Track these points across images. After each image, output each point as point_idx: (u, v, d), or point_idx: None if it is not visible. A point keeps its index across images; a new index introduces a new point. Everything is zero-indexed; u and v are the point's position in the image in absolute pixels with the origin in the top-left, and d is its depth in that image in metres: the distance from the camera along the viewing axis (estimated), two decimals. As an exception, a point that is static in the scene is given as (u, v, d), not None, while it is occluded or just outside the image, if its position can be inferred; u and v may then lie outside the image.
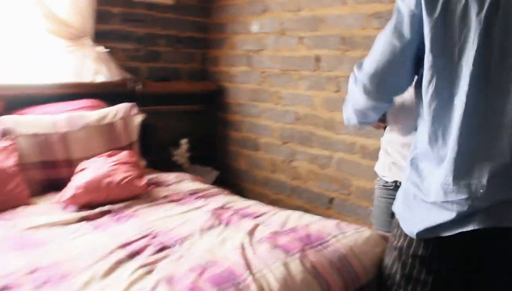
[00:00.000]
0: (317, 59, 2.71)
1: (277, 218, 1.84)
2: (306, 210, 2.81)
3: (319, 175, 2.75)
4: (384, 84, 1.26)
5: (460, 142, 1.11)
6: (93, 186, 2.03)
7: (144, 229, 1.76)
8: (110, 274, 1.40)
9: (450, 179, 1.13)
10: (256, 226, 1.75)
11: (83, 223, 1.85)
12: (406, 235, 1.27)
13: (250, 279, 1.34)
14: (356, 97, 1.34)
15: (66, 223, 1.84)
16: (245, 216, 1.89)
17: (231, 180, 3.33)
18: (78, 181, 2.06)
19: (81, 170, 2.19)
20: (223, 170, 3.34)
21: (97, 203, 2.02)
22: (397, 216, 1.33)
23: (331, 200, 2.70)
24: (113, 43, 3.00)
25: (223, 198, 2.14)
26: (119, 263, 1.48)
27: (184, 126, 3.29)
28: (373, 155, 2.45)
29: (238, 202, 2.08)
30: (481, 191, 1.10)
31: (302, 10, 2.78)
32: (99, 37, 2.90)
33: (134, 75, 3.04)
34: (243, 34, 3.19)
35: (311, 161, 2.79)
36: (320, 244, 1.56)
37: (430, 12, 1.11)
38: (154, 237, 1.69)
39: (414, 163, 1.26)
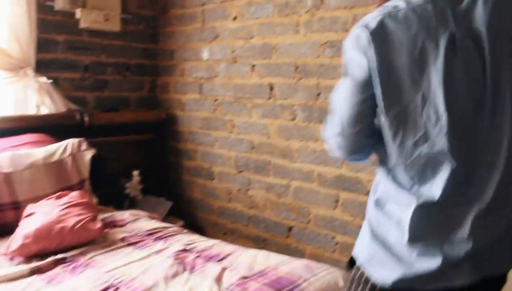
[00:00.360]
0: (271, 87, 2.70)
1: (243, 259, 1.79)
2: (265, 239, 2.79)
3: (277, 203, 2.73)
4: (355, 140, 1.16)
5: (443, 188, 1.03)
6: (44, 234, 1.89)
7: (103, 280, 1.66)
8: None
9: (430, 222, 1.05)
10: (223, 270, 1.69)
11: (35, 276, 1.72)
12: (373, 288, 1.11)
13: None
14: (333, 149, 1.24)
15: (16, 277, 1.70)
16: (209, 258, 1.82)
17: (186, 210, 3.25)
18: (26, 228, 1.92)
19: (28, 215, 2.04)
20: (177, 200, 3.25)
21: (48, 251, 1.89)
22: (363, 263, 1.15)
23: (290, 229, 2.68)
24: (58, 73, 2.86)
25: (183, 238, 2.06)
26: (81, 325, 1.38)
27: (135, 156, 3.17)
28: (331, 182, 2.47)
29: (199, 242, 2.01)
30: (464, 234, 1.03)
31: (253, 38, 2.77)
32: (42, 67, 2.77)
33: (81, 105, 2.91)
34: (193, 61, 3.13)
35: (268, 189, 2.77)
36: (292, 289, 1.52)
37: (383, 63, 1.03)
38: (116, 290, 1.59)
39: (379, 203, 1.15)
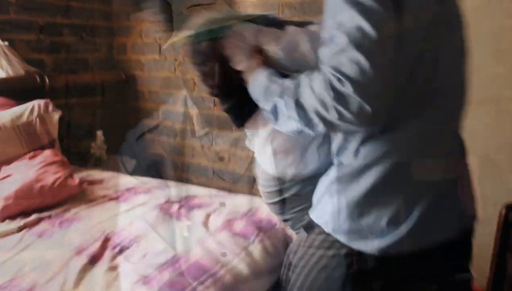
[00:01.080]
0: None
1: (227, 205, 1.93)
2: (231, 191, 2.93)
3: (241, 156, 2.87)
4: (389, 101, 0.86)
5: None
6: (25, 193, 1.93)
7: (93, 232, 1.74)
8: (80, 283, 1.40)
9: None
10: (208, 216, 1.83)
11: (24, 232, 1.77)
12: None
13: (223, 270, 1.44)
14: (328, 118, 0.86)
15: (5, 234, 1.74)
16: (192, 207, 1.95)
17: (150, 167, 3.32)
18: (6, 190, 1.94)
19: (4, 178, 2.06)
20: (141, 158, 3.31)
21: (30, 210, 1.93)
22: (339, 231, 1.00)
23: (255, 179, 2.83)
24: (12, 35, 2.79)
25: (163, 191, 2.15)
26: (84, 271, 1.47)
27: (97, 117, 3.19)
28: (293, 135, 2.63)
29: (180, 193, 2.12)
30: None
31: (213, -3, 2.82)
32: (-5, 29, 2.69)
33: (38, 68, 2.87)
34: (151, 22, 3.14)
35: (232, 144, 2.89)
36: (270, 230, 1.70)
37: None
38: (107, 240, 1.68)
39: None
